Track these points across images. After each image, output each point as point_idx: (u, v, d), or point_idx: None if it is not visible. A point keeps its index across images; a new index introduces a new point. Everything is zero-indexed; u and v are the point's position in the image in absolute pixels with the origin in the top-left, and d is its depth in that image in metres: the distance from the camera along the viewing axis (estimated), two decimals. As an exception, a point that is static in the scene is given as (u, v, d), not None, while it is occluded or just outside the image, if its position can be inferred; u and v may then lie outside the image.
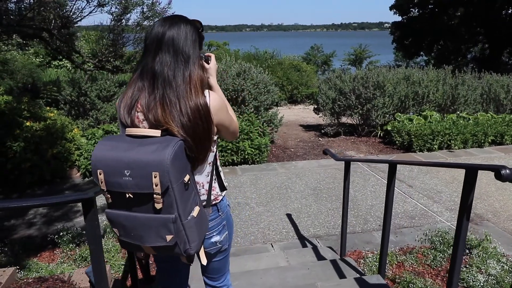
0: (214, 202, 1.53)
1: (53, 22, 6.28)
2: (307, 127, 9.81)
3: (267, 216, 4.56)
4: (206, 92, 1.39)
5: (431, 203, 4.86)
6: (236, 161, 6.31)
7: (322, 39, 56.90)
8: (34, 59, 14.81)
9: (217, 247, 1.59)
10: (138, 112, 1.35)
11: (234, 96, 7.00)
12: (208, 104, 1.36)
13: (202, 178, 1.47)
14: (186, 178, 1.28)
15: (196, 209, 1.34)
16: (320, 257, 3.46)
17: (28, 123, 5.59)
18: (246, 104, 7.07)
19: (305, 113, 12.71)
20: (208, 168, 1.48)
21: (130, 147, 1.25)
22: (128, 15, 6.99)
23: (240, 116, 6.79)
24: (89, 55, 7.03)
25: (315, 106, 9.55)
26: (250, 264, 3.35)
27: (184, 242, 1.31)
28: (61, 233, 3.88)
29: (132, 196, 1.25)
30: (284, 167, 6.32)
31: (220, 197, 1.56)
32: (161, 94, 1.31)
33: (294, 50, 25.88)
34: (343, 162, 3.37)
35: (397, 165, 2.61)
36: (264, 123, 7.43)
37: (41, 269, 3.24)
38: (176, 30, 1.34)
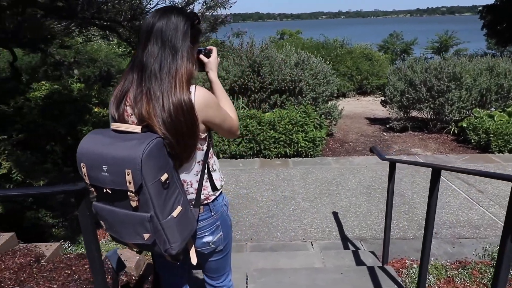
0: (205, 202, 1.46)
1: (123, 14, 6.66)
2: (373, 121, 9.27)
3: (311, 213, 4.39)
4: (192, 87, 1.31)
5: (503, 213, 4.27)
6: (288, 154, 6.18)
7: (404, 25, 53.17)
8: (116, 49, 16.03)
9: (211, 247, 1.53)
10: (127, 106, 1.31)
11: (291, 87, 6.84)
12: (193, 100, 1.28)
13: (190, 177, 1.41)
14: (164, 177, 1.21)
15: (178, 209, 1.27)
16: (359, 262, 3.23)
17: (96, 109, 6.04)
18: (304, 95, 6.86)
19: (374, 105, 12.04)
20: (197, 167, 1.41)
21: (112, 142, 1.22)
22: (192, 5, 7.15)
23: (296, 107, 6.62)
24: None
25: (383, 98, 8.97)
26: (284, 261, 3.25)
27: (163, 242, 1.26)
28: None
29: (110, 192, 1.23)
30: (339, 162, 6.03)
31: (213, 197, 1.48)
32: (147, 87, 1.26)
33: (371, 37, 24.55)
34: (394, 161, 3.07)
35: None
36: (322, 115, 7.16)
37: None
38: (165, 21, 1.28)
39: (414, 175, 5.35)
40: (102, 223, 1.34)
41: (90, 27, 6.92)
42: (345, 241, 3.80)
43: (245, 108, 7.07)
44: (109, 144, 1.21)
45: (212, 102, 1.36)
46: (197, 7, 7.18)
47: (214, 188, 1.48)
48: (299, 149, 6.14)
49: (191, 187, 1.42)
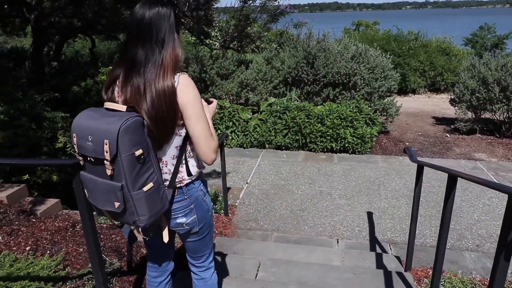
0: (179, 185, 1.54)
1: (187, 4, 6.99)
2: (440, 120, 8.63)
3: (345, 210, 4.27)
4: (178, 75, 1.41)
5: None
6: (335, 149, 6.03)
7: (499, 17, 47.83)
8: (189, 38, 16.76)
9: (185, 228, 1.62)
10: (116, 88, 1.47)
11: (345, 81, 6.63)
12: (175, 86, 1.38)
13: (167, 158, 1.51)
14: (138, 152, 1.33)
15: (150, 185, 1.38)
16: (380, 265, 3.10)
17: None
18: (357, 89, 6.61)
19: (446, 103, 11.11)
20: (174, 151, 1.50)
21: (99, 117, 1.36)
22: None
23: (348, 102, 6.41)
24: (216, 34, 7.60)
25: (451, 97, 8.28)
26: (301, 254, 3.24)
27: (132, 213, 1.38)
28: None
29: (92, 160, 1.37)
30: (387, 162, 5.75)
31: (186, 181, 1.55)
32: (133, 77, 1.39)
33: (458, 30, 22.53)
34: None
35: None
36: (377, 112, 6.84)
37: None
38: (153, 14, 1.38)
39: (469, 182, 4.91)
40: (85, 191, 1.50)
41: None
42: (373, 243, 3.66)
43: (297, 100, 7.03)
44: (96, 118, 1.36)
45: (193, 91, 1.43)
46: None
47: (189, 173, 1.55)
48: (346, 145, 5.96)
49: (166, 167, 1.51)
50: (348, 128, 5.98)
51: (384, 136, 6.98)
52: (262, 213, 4.28)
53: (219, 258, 3.00)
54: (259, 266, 2.92)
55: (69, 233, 2.81)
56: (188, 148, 1.53)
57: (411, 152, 3.07)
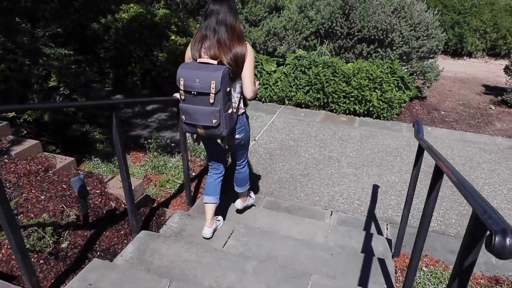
0: (239, 113, 2.38)
1: None
2: (490, 90, 7.69)
3: (349, 181, 3.93)
4: (246, 43, 2.25)
5: None
6: (358, 111, 5.54)
7: None
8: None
9: (238, 141, 2.51)
10: (203, 49, 2.20)
11: (382, 37, 5.92)
12: (246, 52, 2.23)
13: (234, 95, 2.31)
14: (228, 89, 2.15)
15: (230, 110, 2.23)
16: (366, 248, 2.81)
17: (173, 37, 6.16)
18: (394, 48, 5.91)
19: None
20: (237, 93, 2.33)
21: (200, 67, 2.12)
22: None
23: (381, 61, 5.77)
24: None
25: (507, 64, 7.27)
26: (284, 225, 3.02)
27: (221, 126, 2.16)
28: (149, 140, 4.31)
29: (195, 94, 2.11)
30: (413, 131, 5.19)
31: (241, 111, 2.42)
32: (216, 43, 2.16)
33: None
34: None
35: None
36: (414, 74, 6.15)
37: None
38: (224, 6, 2.16)
39: (500, 163, 4.34)
40: (183, 116, 2.22)
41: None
42: (370, 220, 3.34)
43: (328, 55, 6.46)
44: (198, 68, 2.11)
45: (252, 54, 2.27)
46: None
47: (245, 104, 2.44)
48: (371, 109, 5.45)
49: (234, 100, 2.31)
50: (376, 90, 5.42)
51: (418, 102, 6.32)
52: (260, 173, 4.05)
53: (195, 221, 2.85)
54: (231, 233, 2.74)
55: (38, 177, 2.73)
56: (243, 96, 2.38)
57: (418, 127, 2.63)
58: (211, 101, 2.07)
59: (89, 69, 6.76)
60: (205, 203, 2.63)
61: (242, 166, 2.77)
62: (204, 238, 2.63)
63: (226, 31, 2.14)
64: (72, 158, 3.16)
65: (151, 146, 4.31)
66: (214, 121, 2.12)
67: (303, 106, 5.88)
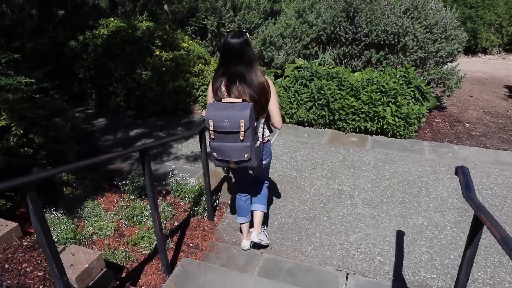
0: (265, 140, 2.53)
1: None
2: (515, 92, 6.92)
3: (367, 226, 3.21)
4: (267, 79, 2.35)
5: None
6: (370, 130, 4.80)
7: None
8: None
9: (265, 165, 2.69)
10: (223, 90, 2.31)
11: (393, 41, 5.19)
12: (269, 87, 2.33)
13: (258, 128, 2.43)
14: (254, 124, 2.27)
15: (258, 142, 2.39)
16: None
17: (157, 52, 5.49)
18: (408, 53, 5.17)
19: (525, 68, 9.22)
20: (261, 124, 2.44)
21: (227, 107, 2.21)
22: None
23: (394, 69, 5.03)
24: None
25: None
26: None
27: (252, 159, 2.30)
28: (123, 182, 3.63)
29: (226, 132, 2.21)
30: (436, 152, 4.45)
31: (266, 139, 2.55)
32: (239, 79, 2.24)
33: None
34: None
35: None
36: (432, 82, 5.40)
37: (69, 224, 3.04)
38: (241, 41, 2.20)
39: (549, 193, 3.58)
40: (215, 154, 2.32)
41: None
42: (397, 285, 2.61)
43: (331, 64, 5.74)
44: (225, 108, 2.21)
45: (274, 88, 2.39)
46: None
47: (270, 131, 2.56)
48: (384, 126, 4.71)
49: (260, 133, 2.45)
50: (390, 105, 4.69)
51: (438, 114, 5.57)
52: (257, 218, 3.34)
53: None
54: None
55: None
56: (267, 122, 2.49)
57: (466, 179, 1.89)
58: (241, 138, 2.20)
59: (66, 92, 6.12)
60: (241, 223, 2.93)
61: (266, 183, 2.91)
62: (244, 249, 2.97)
63: (246, 68, 2.21)
64: (16, 224, 2.48)
65: (126, 188, 3.63)
66: (245, 155, 2.27)
67: (306, 124, 5.17)
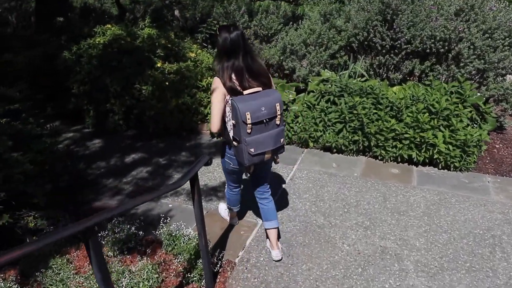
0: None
1: None
2: None
3: (425, 309, 2.28)
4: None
5: None
6: (416, 160, 3.86)
7: None
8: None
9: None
10: (236, 82, 2.26)
11: (442, 50, 4.25)
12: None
13: None
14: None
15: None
16: None
17: (159, 64, 4.73)
18: (461, 64, 4.22)
19: None
20: None
21: (256, 97, 2.19)
22: None
23: (445, 84, 4.08)
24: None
25: None
26: None
27: (283, 146, 2.37)
28: (103, 233, 2.83)
29: (266, 121, 2.19)
30: (506, 191, 3.47)
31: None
32: (256, 69, 2.31)
33: None
34: None
35: None
36: (491, 100, 4.42)
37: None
38: (241, 34, 2.27)
39: None
40: (252, 149, 2.21)
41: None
42: None
43: (364, 76, 4.85)
44: (255, 98, 2.17)
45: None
46: None
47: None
48: (435, 156, 3.76)
49: None
50: (442, 128, 3.75)
51: (497, 137, 4.56)
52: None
53: None
54: None
55: None
56: None
57: None
58: (278, 122, 2.26)
59: (62, 109, 5.45)
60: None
61: (269, 191, 2.73)
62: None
63: (251, 60, 2.28)
64: None
65: (105, 239, 2.83)
66: (282, 140, 2.33)
67: (335, 151, 4.27)
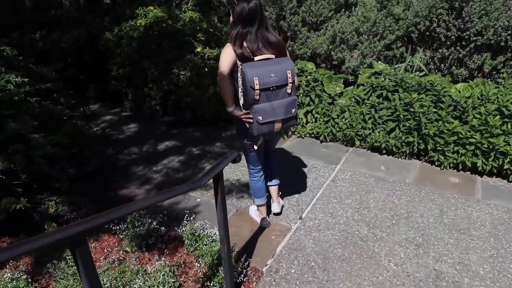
0: None
1: None
2: None
3: None
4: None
5: None
6: (481, 168, 3.32)
7: None
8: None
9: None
10: (248, 52, 2.18)
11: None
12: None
13: None
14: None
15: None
16: None
17: (199, 49, 4.48)
18: (545, 59, 3.58)
19: None
20: None
21: (266, 63, 2.15)
22: None
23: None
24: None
25: None
26: None
27: (295, 116, 2.32)
28: (120, 226, 2.63)
29: (274, 88, 2.16)
30: None
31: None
32: (264, 42, 2.22)
33: None
34: None
35: None
36: None
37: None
38: (259, 3, 2.20)
39: None
40: (260, 117, 2.18)
41: None
42: None
43: (423, 71, 4.32)
44: (265, 65, 2.13)
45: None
46: None
47: None
48: (505, 166, 3.21)
49: None
50: (515, 135, 3.18)
51: None
52: (302, 308, 2.14)
53: None
54: None
55: None
56: None
57: None
58: (289, 91, 2.21)
59: (102, 91, 5.40)
60: (261, 205, 2.76)
61: (275, 152, 2.85)
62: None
63: (266, 30, 2.23)
64: None
65: (124, 233, 2.63)
66: (293, 110, 2.26)
67: (384, 152, 3.81)
